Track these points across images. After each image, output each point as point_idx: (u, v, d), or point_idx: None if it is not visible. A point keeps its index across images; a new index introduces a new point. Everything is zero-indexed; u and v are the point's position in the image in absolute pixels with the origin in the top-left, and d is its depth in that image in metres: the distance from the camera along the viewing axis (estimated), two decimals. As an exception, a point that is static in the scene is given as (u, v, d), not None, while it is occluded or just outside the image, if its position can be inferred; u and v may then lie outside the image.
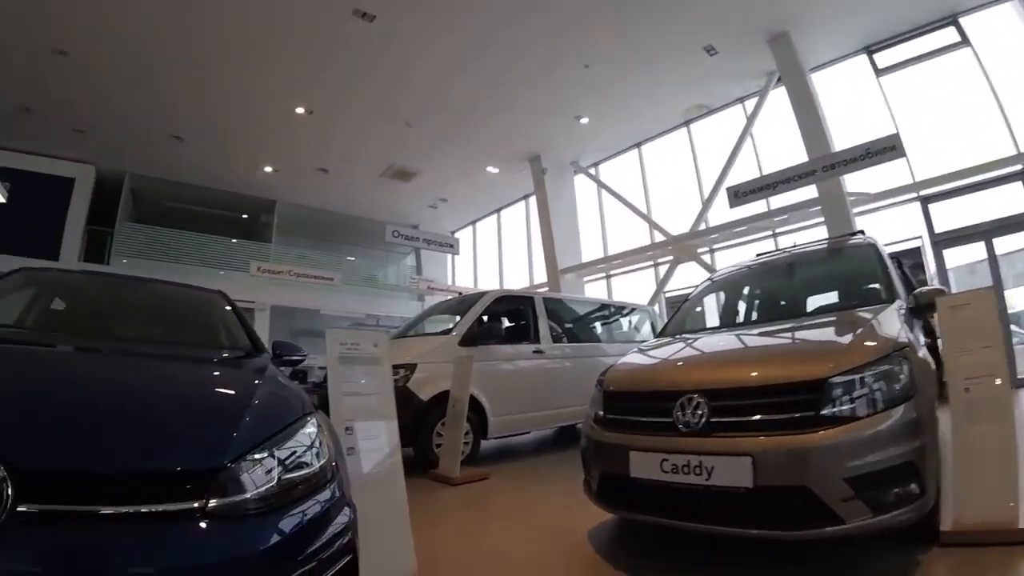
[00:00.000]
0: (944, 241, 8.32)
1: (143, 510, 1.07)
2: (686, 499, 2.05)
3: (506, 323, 6.25)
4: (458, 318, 5.65)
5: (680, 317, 3.85)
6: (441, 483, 4.30)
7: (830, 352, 2.22)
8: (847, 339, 2.35)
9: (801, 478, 1.82)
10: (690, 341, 3.05)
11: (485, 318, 5.62)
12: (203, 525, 1.12)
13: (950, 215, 8.34)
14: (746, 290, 4.15)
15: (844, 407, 1.90)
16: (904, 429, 1.89)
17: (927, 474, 1.90)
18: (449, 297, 10.08)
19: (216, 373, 1.98)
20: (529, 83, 9.63)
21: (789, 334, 2.77)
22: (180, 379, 1.74)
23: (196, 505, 1.13)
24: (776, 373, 2.10)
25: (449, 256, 18.08)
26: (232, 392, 1.69)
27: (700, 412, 2.07)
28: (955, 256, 8.36)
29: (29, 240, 10.78)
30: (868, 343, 2.20)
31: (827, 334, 2.63)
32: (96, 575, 1.01)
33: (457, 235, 17.85)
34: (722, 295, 4.20)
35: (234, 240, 14.47)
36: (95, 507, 1.04)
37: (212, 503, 1.15)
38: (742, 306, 4.08)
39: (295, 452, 1.38)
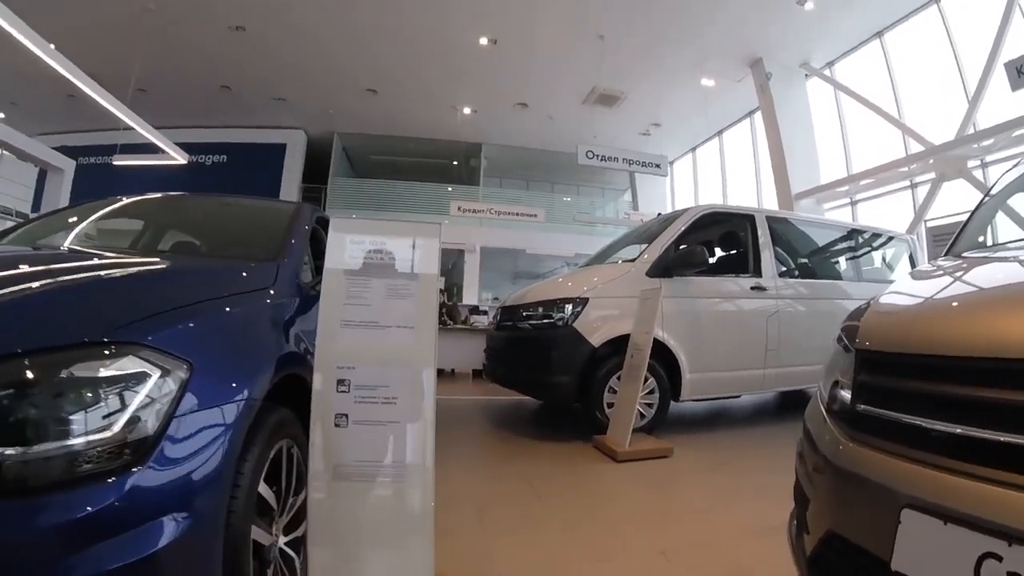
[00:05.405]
0: None
1: None
2: None
3: (715, 250, 4.69)
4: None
5: (983, 218, 1.95)
6: (604, 455, 3.23)
7: None
8: None
9: None
10: None
11: (684, 242, 4.16)
12: None
13: None
14: None
15: None
16: None
17: None
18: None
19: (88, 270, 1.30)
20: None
21: None
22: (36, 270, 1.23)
23: None
24: None
25: (668, 187, 16.50)
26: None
27: None
28: None
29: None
30: None
31: None
32: None
33: (675, 164, 15.84)
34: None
35: (450, 187, 15.12)
36: None
37: None
38: None
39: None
